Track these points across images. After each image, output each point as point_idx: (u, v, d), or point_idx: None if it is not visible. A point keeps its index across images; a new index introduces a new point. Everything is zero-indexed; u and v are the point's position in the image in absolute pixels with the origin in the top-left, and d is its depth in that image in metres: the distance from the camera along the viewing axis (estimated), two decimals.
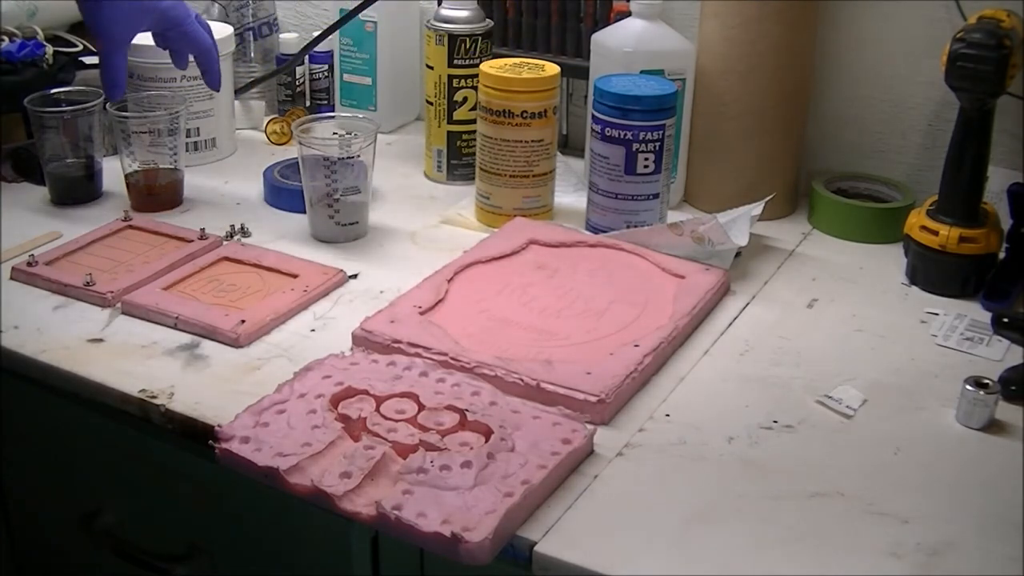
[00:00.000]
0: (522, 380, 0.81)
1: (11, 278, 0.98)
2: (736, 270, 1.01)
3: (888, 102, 1.15)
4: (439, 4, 1.20)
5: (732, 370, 0.87)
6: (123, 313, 0.93)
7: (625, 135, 1.01)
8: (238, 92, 1.33)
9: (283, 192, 1.14)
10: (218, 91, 1.16)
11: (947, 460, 0.77)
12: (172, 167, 1.14)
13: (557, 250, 1.02)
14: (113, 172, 1.19)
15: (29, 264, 0.98)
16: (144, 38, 1.11)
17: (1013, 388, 0.82)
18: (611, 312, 0.92)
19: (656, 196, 1.04)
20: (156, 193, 1.14)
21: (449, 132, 1.21)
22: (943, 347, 0.91)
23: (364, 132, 1.06)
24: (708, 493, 0.72)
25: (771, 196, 1.07)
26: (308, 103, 1.40)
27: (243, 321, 0.90)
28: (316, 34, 1.22)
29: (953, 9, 1.07)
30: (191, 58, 1.12)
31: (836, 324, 0.94)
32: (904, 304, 0.98)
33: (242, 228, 1.08)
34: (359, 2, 1.16)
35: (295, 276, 0.98)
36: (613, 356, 0.84)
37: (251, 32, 1.36)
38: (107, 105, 1.10)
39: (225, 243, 1.05)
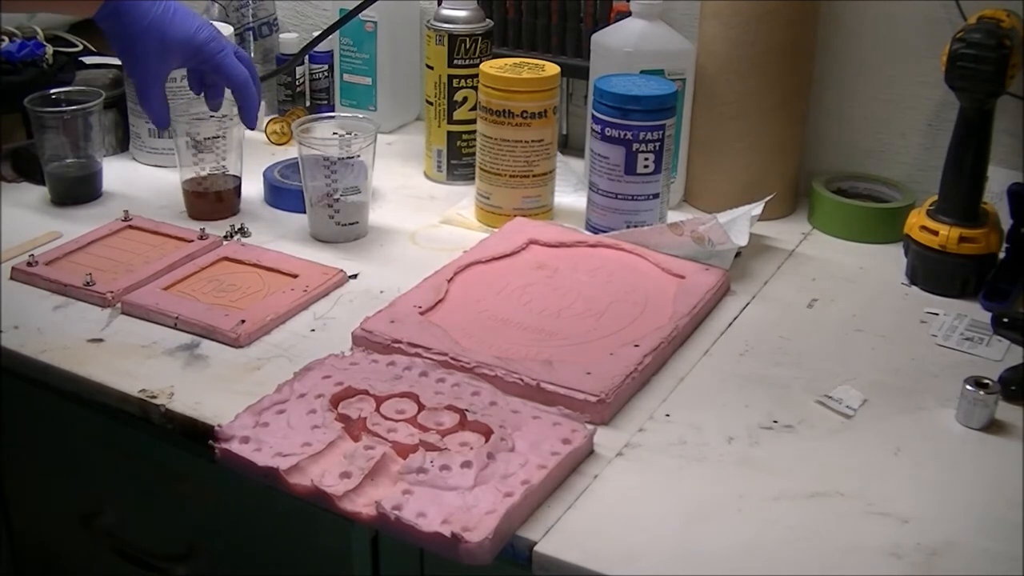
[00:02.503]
0: (522, 380, 0.81)
1: (11, 278, 0.98)
2: (736, 270, 1.01)
3: (888, 102, 1.15)
4: (439, 4, 1.20)
5: (732, 370, 0.87)
6: (123, 313, 0.93)
7: (625, 135, 1.01)
8: None
9: (283, 192, 1.14)
10: (253, 128, 1.10)
11: (947, 460, 0.77)
12: (223, 172, 1.11)
13: (557, 250, 1.02)
14: (113, 172, 1.20)
15: (29, 264, 0.98)
16: None
17: (1013, 388, 0.82)
18: (611, 312, 0.92)
19: (656, 196, 1.04)
20: (219, 200, 1.11)
21: (449, 132, 1.21)
22: (943, 347, 0.91)
23: (364, 132, 1.06)
24: (708, 493, 0.72)
25: (771, 196, 1.07)
26: (308, 103, 1.40)
27: (243, 321, 0.90)
28: (316, 34, 1.22)
29: (953, 9, 1.07)
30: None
31: (836, 324, 0.94)
32: (904, 304, 0.98)
33: (242, 228, 1.08)
34: (359, 2, 1.16)
35: (295, 276, 0.98)
36: (613, 356, 0.84)
37: (251, 32, 1.36)
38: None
39: (225, 243, 1.05)
